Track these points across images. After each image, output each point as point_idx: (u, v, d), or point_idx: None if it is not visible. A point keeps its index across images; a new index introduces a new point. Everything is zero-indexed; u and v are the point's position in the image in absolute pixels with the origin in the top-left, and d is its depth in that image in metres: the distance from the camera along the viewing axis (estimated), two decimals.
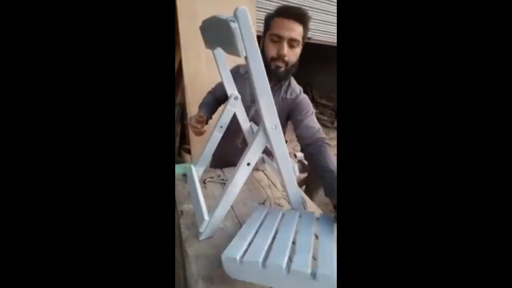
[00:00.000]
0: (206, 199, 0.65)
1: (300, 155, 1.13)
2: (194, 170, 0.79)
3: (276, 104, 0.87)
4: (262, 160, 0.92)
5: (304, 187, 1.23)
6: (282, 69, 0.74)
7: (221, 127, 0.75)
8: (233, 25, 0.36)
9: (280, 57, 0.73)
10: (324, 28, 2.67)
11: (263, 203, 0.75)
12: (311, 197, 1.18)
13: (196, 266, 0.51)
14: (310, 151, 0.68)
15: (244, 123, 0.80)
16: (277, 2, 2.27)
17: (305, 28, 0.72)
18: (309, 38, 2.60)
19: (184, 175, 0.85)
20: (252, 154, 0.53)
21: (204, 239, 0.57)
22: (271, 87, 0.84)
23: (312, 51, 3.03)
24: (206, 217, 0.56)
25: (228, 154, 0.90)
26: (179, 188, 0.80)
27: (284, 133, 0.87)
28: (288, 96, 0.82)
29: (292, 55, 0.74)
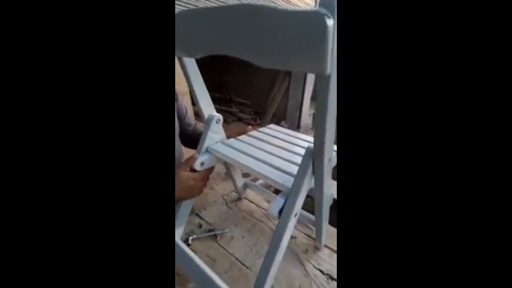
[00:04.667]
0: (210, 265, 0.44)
1: None
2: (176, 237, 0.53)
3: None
4: (245, 186, 0.75)
5: None
6: None
7: (202, 163, 0.53)
8: (330, 22, 0.21)
9: None
10: None
11: None
12: None
13: None
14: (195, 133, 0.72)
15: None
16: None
17: None
18: None
19: None
20: (300, 199, 0.38)
21: None
22: None
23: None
24: None
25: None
26: None
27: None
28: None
29: None
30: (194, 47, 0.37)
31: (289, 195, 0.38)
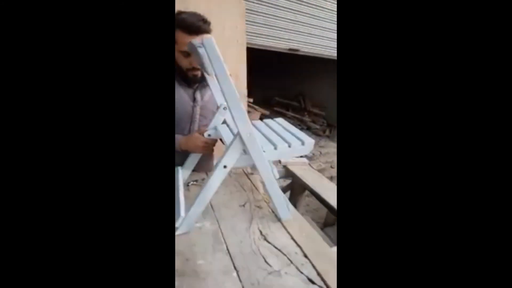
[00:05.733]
0: (188, 200, 0.69)
1: (284, 160, 1.18)
2: (180, 172, 0.83)
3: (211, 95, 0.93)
4: (254, 166, 0.96)
5: (289, 192, 1.27)
6: (199, 75, 0.86)
7: (209, 135, 0.80)
8: (200, 50, 0.42)
9: (194, 68, 0.84)
10: (310, 40, 2.76)
11: (243, 205, 0.79)
12: (295, 203, 1.22)
13: None
14: None
15: (233, 128, 0.85)
16: (265, 16, 2.36)
17: (209, 32, 0.80)
18: (297, 50, 2.67)
19: None
20: (229, 158, 0.57)
21: (180, 235, 0.61)
22: (200, 89, 0.93)
23: (301, 62, 3.14)
24: (182, 213, 0.60)
25: (211, 159, 0.95)
26: None
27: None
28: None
29: None
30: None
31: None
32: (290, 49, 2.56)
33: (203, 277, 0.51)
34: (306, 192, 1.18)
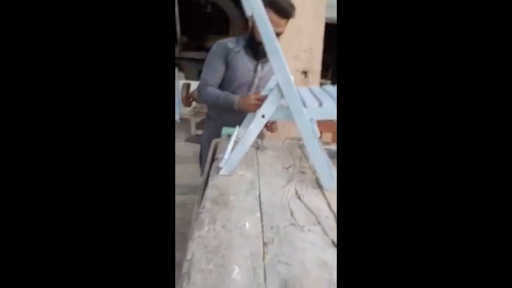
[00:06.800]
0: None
1: None
2: (236, 131, 0.92)
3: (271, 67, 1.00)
4: None
5: None
6: None
7: (262, 94, 0.84)
8: None
9: None
10: None
11: (287, 168, 0.80)
12: None
13: (210, 192, 0.63)
14: None
15: None
16: None
17: (293, 17, 0.92)
18: None
19: (229, 135, 1.00)
20: (267, 107, 0.59)
21: (223, 175, 0.69)
22: (263, 63, 1.04)
23: None
24: (226, 156, 0.68)
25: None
26: (224, 143, 0.95)
27: None
28: None
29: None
30: None
31: None
32: None
33: (230, 209, 0.57)
34: None
